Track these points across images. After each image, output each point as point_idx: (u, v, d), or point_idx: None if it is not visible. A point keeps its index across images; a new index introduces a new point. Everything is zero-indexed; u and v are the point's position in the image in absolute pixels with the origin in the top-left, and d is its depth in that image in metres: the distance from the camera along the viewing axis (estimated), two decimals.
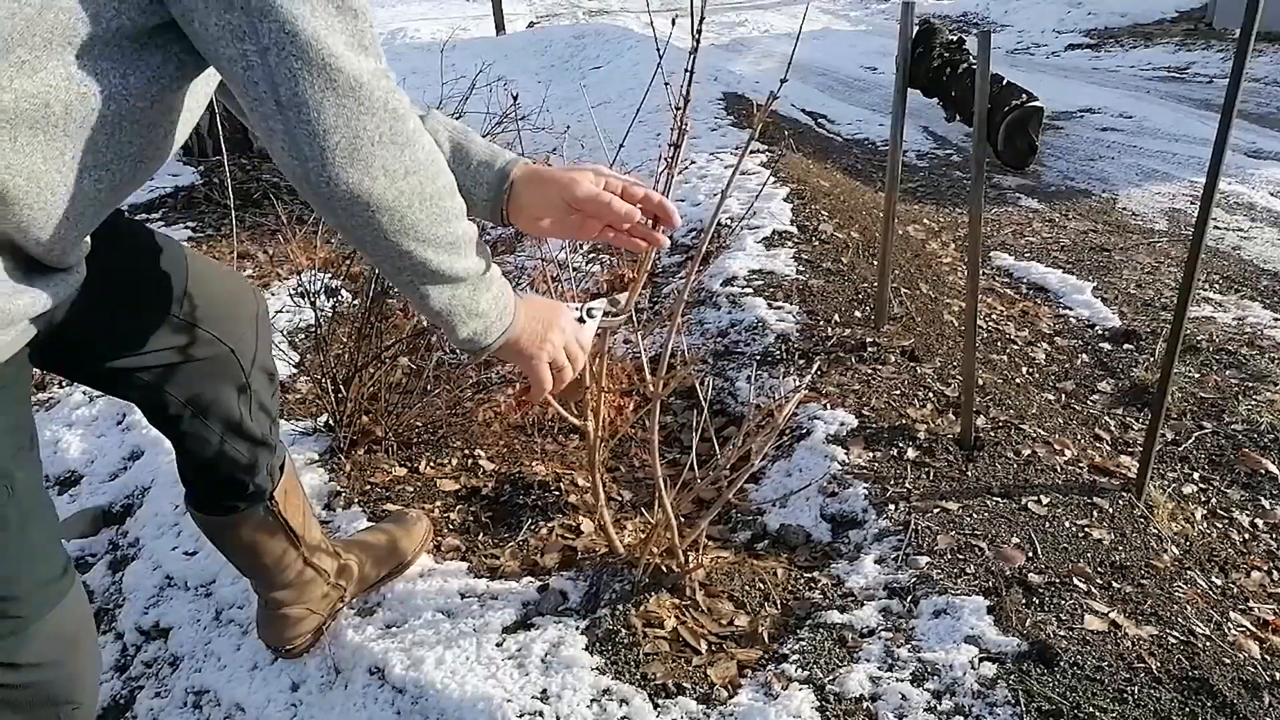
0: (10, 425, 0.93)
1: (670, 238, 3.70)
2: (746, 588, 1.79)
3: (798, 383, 2.49)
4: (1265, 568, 2.20)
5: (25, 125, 0.78)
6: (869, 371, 2.57)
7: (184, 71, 0.88)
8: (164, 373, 1.22)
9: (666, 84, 1.53)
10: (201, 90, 0.94)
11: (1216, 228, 4.58)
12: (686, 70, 1.45)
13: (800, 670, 1.57)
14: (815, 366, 2.55)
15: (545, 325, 1.11)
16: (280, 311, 3.14)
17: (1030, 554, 1.86)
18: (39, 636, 0.98)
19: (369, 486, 2.14)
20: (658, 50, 1.64)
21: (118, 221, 1.10)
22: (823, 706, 1.49)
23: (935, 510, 2.00)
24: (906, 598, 1.74)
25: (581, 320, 1.20)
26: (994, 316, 3.45)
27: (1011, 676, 1.54)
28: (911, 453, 2.20)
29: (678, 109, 1.46)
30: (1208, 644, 1.67)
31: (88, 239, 0.94)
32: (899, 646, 1.62)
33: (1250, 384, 2.95)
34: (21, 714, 1.01)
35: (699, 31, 1.48)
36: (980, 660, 1.57)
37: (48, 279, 0.89)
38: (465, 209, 1.00)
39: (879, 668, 1.57)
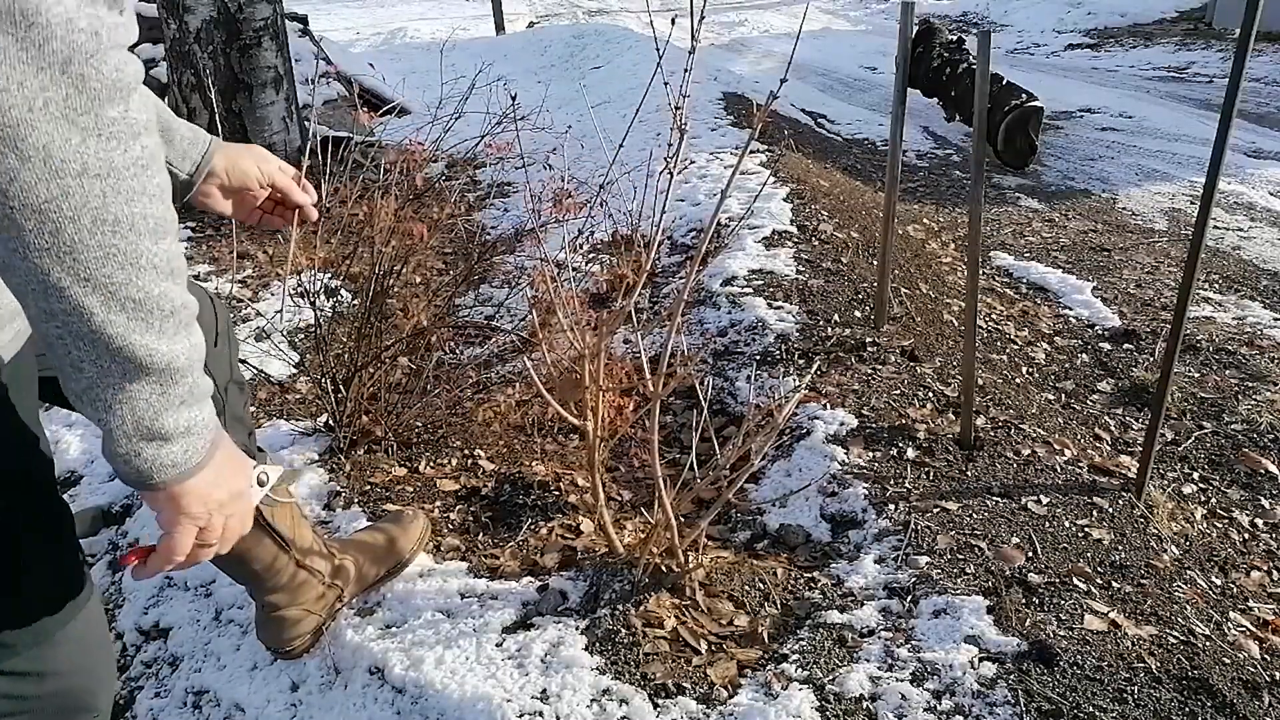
0: (15, 427, 0.91)
1: (670, 237, 3.71)
2: (746, 588, 1.79)
3: (798, 383, 2.49)
4: (1265, 568, 2.20)
5: None
6: (869, 371, 2.57)
7: None
8: None
9: (666, 84, 1.53)
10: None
11: (1216, 228, 4.58)
12: (686, 70, 1.45)
13: (800, 670, 1.57)
14: (815, 366, 2.55)
15: (226, 490, 0.85)
16: (280, 311, 3.14)
17: (1030, 554, 1.86)
18: (63, 644, 0.97)
19: (369, 486, 2.14)
20: (657, 50, 1.64)
21: None
22: (823, 706, 1.49)
23: (935, 510, 2.00)
24: (906, 598, 1.74)
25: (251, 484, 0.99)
26: (994, 316, 3.45)
27: (1011, 676, 1.54)
28: (911, 453, 2.20)
29: (677, 108, 1.46)
30: (1208, 644, 1.67)
31: None
32: (899, 646, 1.62)
33: (1250, 384, 2.95)
34: None
35: (698, 31, 1.48)
36: (980, 660, 1.57)
37: None
38: (183, 269, 0.76)
39: (879, 668, 1.57)
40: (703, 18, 1.50)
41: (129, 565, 0.89)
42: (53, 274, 0.67)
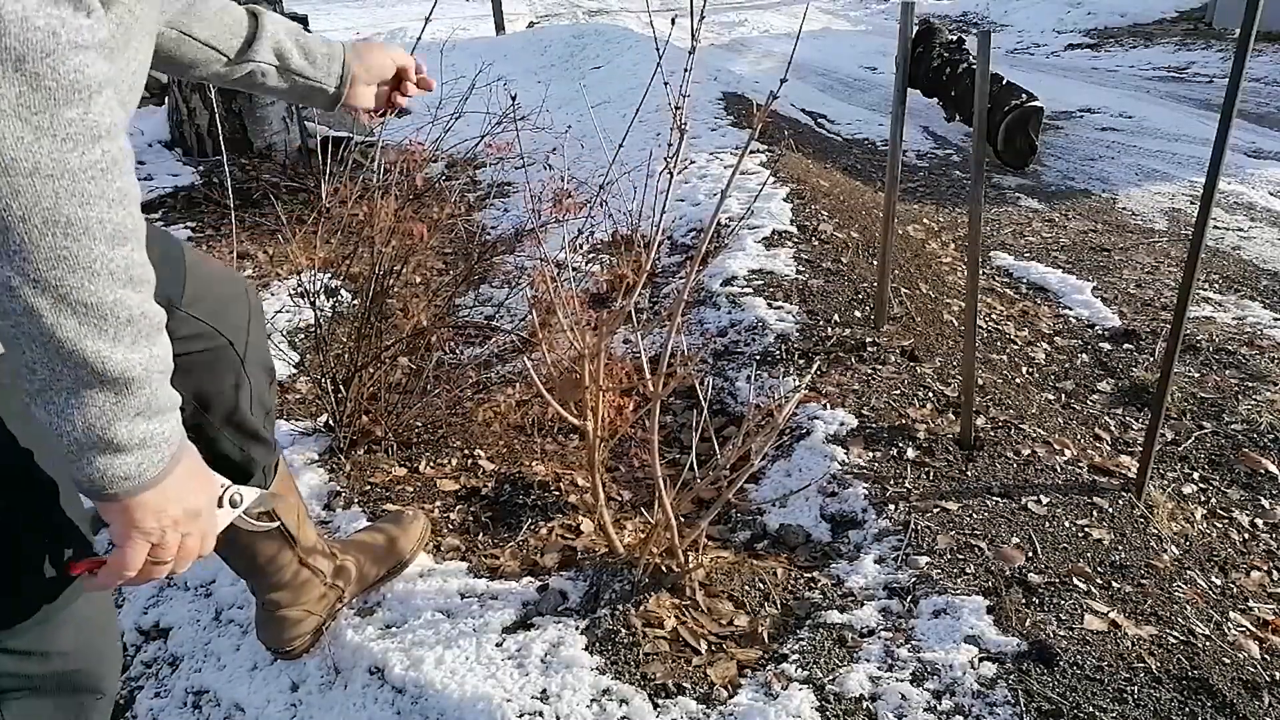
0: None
1: (670, 237, 3.71)
2: (746, 588, 1.79)
3: (798, 383, 2.49)
4: (1265, 568, 2.20)
5: None
6: (869, 371, 2.57)
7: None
8: None
9: (666, 84, 1.54)
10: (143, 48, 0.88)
11: (1216, 228, 4.58)
12: (686, 70, 1.45)
13: (800, 670, 1.57)
14: (815, 366, 2.55)
15: (182, 507, 0.83)
16: (280, 311, 3.14)
17: (1030, 554, 1.86)
18: (65, 625, 0.98)
19: (369, 486, 2.14)
20: (657, 50, 1.64)
21: None
22: (822, 706, 1.49)
23: (935, 510, 2.00)
24: (906, 598, 1.74)
25: (221, 504, 0.96)
26: (994, 316, 3.45)
27: (1011, 676, 1.54)
28: (911, 453, 2.20)
29: (677, 108, 1.46)
30: (1208, 644, 1.67)
31: None
32: (899, 646, 1.62)
33: (1250, 384, 2.95)
34: (49, 700, 1.01)
35: (698, 31, 1.48)
36: (980, 660, 1.57)
37: None
38: (146, 279, 0.74)
39: (879, 668, 1.57)
40: (703, 18, 1.50)
41: (77, 574, 0.87)
42: (2, 272, 0.65)
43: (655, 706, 1.50)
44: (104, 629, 1.04)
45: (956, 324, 3.18)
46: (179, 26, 1.18)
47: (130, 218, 0.71)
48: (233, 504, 0.98)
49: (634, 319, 2.44)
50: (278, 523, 1.41)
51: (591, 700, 1.50)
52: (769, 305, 2.96)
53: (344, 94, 1.31)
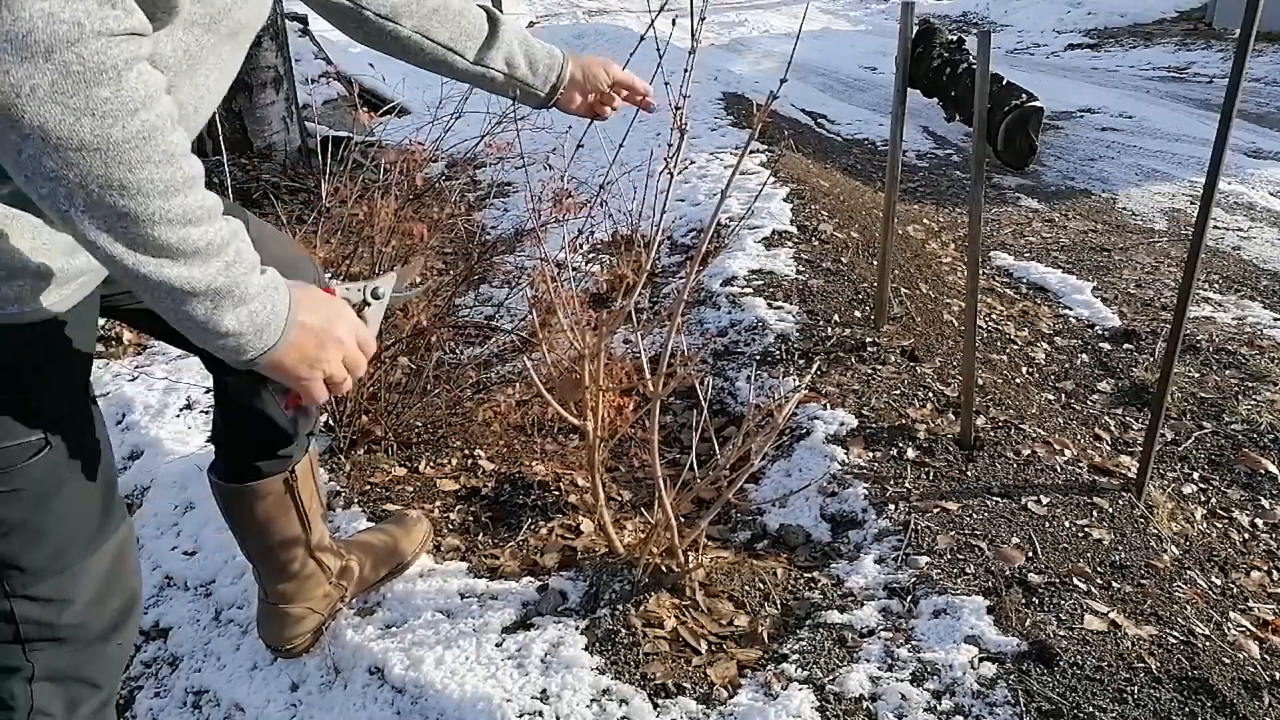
0: (68, 369, 0.98)
1: (670, 237, 3.71)
2: (746, 588, 1.79)
3: (798, 383, 2.49)
4: (1265, 568, 2.20)
5: None
6: (869, 371, 2.57)
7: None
8: None
9: (666, 84, 1.54)
10: (214, 69, 0.96)
11: (1216, 228, 4.58)
12: (686, 70, 1.45)
13: (800, 670, 1.57)
14: (815, 366, 2.55)
15: (319, 342, 0.94)
16: None
17: (1030, 554, 1.86)
18: (84, 576, 1.03)
19: (369, 486, 2.14)
20: (658, 50, 1.64)
21: None
22: (822, 706, 1.49)
23: (935, 510, 2.00)
24: (906, 598, 1.74)
25: (366, 304, 1.07)
26: (994, 316, 3.45)
27: (1011, 676, 1.54)
28: (911, 453, 2.20)
29: (677, 108, 1.47)
30: (1208, 644, 1.67)
31: None
32: (899, 646, 1.62)
33: (1250, 384, 2.95)
34: (68, 649, 1.05)
35: (698, 31, 1.48)
36: (980, 660, 1.57)
37: None
38: (208, 210, 0.82)
39: (879, 668, 1.57)
40: (703, 18, 1.50)
41: (291, 408, 1.08)
42: (78, 227, 0.75)
43: (655, 706, 1.50)
44: (123, 581, 1.10)
45: (956, 324, 3.18)
46: (422, 31, 1.32)
47: (179, 170, 0.78)
48: (376, 297, 1.07)
49: (634, 319, 2.44)
50: (424, 285, 1.46)
51: (591, 700, 1.50)
52: (769, 305, 2.96)
53: (554, 101, 1.45)
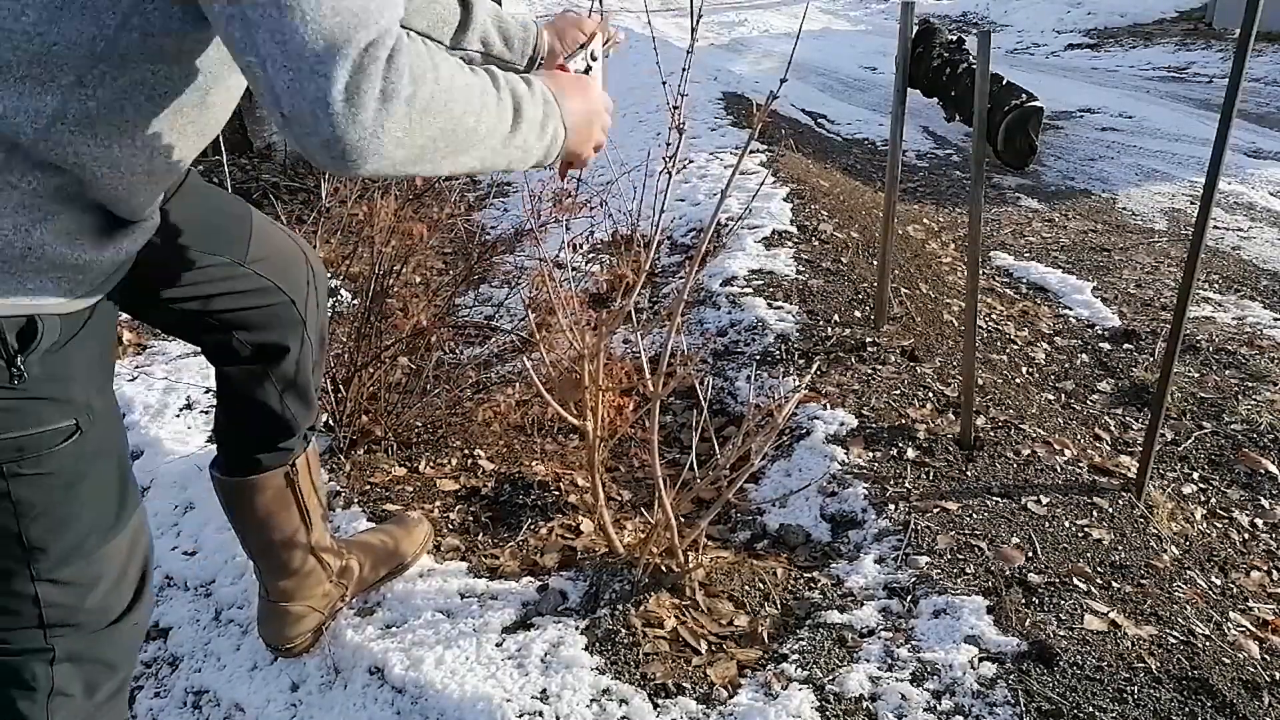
0: (96, 358, 1.03)
1: (670, 237, 3.71)
2: (746, 588, 1.79)
3: (798, 383, 2.49)
4: (1265, 568, 2.20)
5: (104, 122, 0.88)
6: (869, 371, 2.57)
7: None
8: (234, 319, 1.31)
9: (664, 83, 1.54)
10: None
11: (1216, 228, 4.58)
12: (684, 70, 1.46)
13: (800, 670, 1.57)
14: (815, 366, 2.55)
15: (588, 120, 1.15)
16: None
17: (1030, 554, 1.86)
18: (105, 560, 1.07)
19: (369, 486, 2.14)
20: (655, 50, 1.64)
21: (187, 177, 1.21)
22: (822, 706, 1.49)
23: (935, 510, 1.99)
24: (906, 598, 1.74)
25: (589, 68, 1.26)
26: (994, 316, 3.45)
27: (1011, 676, 1.54)
28: (911, 453, 2.20)
29: (675, 107, 1.47)
30: (1208, 644, 1.67)
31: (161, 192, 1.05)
32: (899, 646, 1.61)
33: (1250, 384, 2.95)
34: (86, 634, 1.08)
35: (695, 31, 1.48)
36: (980, 660, 1.57)
37: (127, 230, 0.99)
38: (516, 98, 0.99)
39: (879, 668, 1.57)
40: (700, 17, 1.51)
41: (565, 174, 1.26)
42: (466, 157, 0.94)
43: (655, 706, 1.50)
44: (131, 566, 1.13)
45: (956, 324, 3.18)
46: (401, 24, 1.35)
47: (468, 89, 0.92)
48: (594, 59, 1.29)
49: (634, 319, 2.44)
50: (619, 42, 1.56)
51: (591, 700, 1.50)
52: (769, 305, 2.96)
53: (534, 69, 1.46)
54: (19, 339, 0.91)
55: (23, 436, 0.94)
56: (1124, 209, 4.91)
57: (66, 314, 0.95)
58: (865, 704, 1.50)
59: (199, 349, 1.42)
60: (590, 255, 3.58)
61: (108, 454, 1.06)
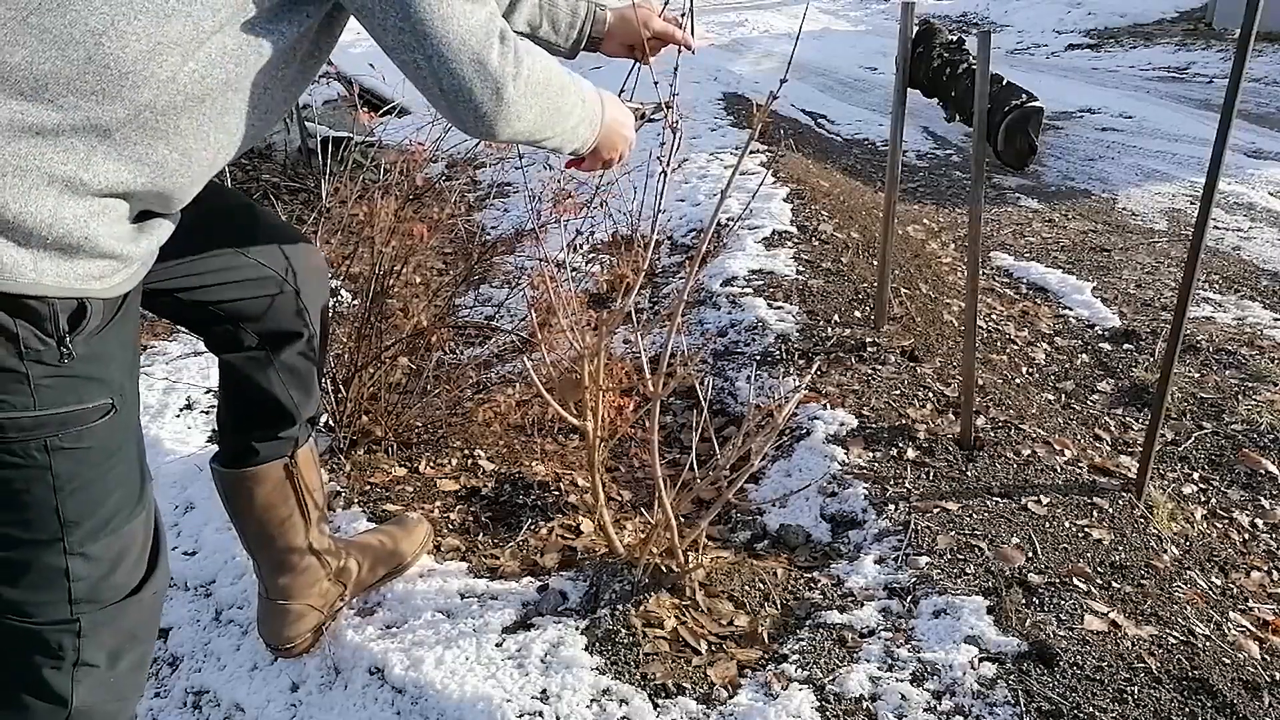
0: (129, 343, 1.08)
1: (670, 237, 3.71)
2: (746, 588, 1.79)
3: (798, 383, 2.49)
4: (1265, 568, 2.20)
5: (184, 113, 0.97)
6: (869, 371, 2.57)
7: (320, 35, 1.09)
8: (238, 308, 1.36)
9: (655, 83, 1.55)
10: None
11: (1216, 228, 4.58)
12: (674, 69, 1.47)
13: (800, 670, 1.57)
14: (815, 366, 2.55)
15: (618, 132, 1.33)
16: None
17: (1030, 554, 1.86)
18: (125, 537, 1.12)
19: (369, 487, 2.14)
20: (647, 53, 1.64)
21: None
22: (822, 706, 1.49)
23: (935, 510, 1.99)
24: (906, 598, 1.74)
25: (641, 117, 1.42)
26: (994, 316, 3.45)
27: (1011, 676, 1.54)
28: (911, 453, 2.20)
29: (667, 105, 1.48)
30: (1208, 644, 1.67)
31: None
32: (899, 646, 1.61)
33: (1250, 384, 2.95)
34: (105, 608, 1.12)
35: (693, 31, 1.49)
36: (980, 660, 1.57)
37: (159, 224, 1.05)
38: (565, 87, 1.17)
39: (879, 668, 1.57)
40: (693, 18, 1.52)
41: (570, 167, 1.40)
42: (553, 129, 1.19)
43: (655, 706, 1.50)
44: (148, 539, 1.19)
45: (956, 324, 3.18)
46: None
47: (547, 71, 1.12)
48: (641, 117, 1.42)
49: (634, 319, 2.44)
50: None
51: (591, 700, 1.50)
52: (769, 305, 2.96)
53: (577, 53, 1.55)
54: (70, 321, 0.97)
55: (66, 412, 1.00)
56: (1124, 209, 4.91)
57: (109, 299, 1.01)
58: (865, 704, 1.50)
59: (198, 350, 1.44)
60: (590, 255, 3.58)
61: (134, 435, 1.12)
